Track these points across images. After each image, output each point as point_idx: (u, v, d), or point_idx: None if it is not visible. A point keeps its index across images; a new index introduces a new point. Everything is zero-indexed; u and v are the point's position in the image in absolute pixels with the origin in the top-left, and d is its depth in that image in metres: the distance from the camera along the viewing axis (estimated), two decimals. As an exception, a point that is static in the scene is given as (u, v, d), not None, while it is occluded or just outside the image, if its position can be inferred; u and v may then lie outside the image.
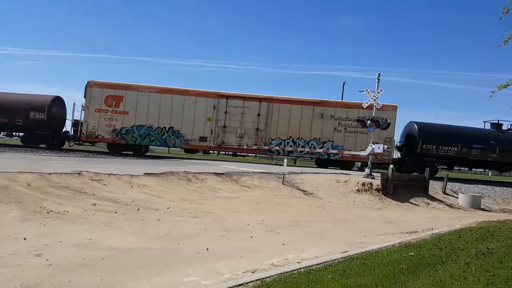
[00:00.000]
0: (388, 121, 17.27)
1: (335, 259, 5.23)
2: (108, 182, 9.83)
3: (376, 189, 14.35)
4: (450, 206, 14.77)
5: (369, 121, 16.19)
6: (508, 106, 76.30)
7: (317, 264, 4.94)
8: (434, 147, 22.25)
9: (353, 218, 10.00)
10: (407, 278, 4.45)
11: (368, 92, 16.30)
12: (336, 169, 22.26)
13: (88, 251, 4.92)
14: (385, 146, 16.16)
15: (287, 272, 4.52)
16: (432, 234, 7.91)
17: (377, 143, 16.63)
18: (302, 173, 16.71)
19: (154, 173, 11.84)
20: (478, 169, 29.11)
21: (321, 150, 22.47)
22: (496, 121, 23.86)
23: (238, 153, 24.06)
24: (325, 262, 5.07)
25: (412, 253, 5.74)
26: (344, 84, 40.57)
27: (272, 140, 22.69)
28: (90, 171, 10.38)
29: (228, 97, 22.74)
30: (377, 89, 16.32)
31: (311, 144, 22.64)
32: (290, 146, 22.58)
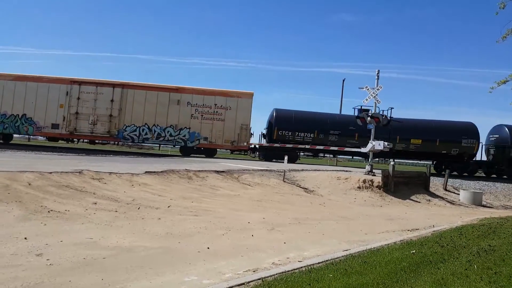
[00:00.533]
0: (388, 118, 17.24)
1: (337, 258, 5.22)
2: (109, 181, 9.81)
3: (377, 186, 14.33)
4: (451, 203, 14.75)
5: (369, 118, 16.15)
6: (507, 102, 76.17)
7: (319, 263, 4.92)
8: (290, 133, 22.58)
9: (354, 215, 9.99)
10: (409, 276, 4.44)
11: (368, 89, 16.26)
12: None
13: (89, 251, 4.91)
14: (386, 143, 16.10)
15: (288, 271, 4.50)
16: (434, 231, 7.90)
17: (377, 140, 16.57)
18: (303, 170, 16.70)
19: (154, 171, 11.82)
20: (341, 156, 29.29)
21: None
22: (359, 107, 23.93)
23: (96, 141, 24.09)
24: (327, 260, 5.06)
25: (414, 251, 5.73)
26: (344, 81, 40.41)
27: (126, 127, 22.79)
28: (91, 170, 10.37)
29: (81, 83, 22.85)
30: (377, 86, 16.28)
31: (168, 131, 22.84)
32: (146, 133, 22.76)
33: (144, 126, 22.73)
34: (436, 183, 16.88)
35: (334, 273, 4.42)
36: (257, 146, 24.27)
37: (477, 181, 19.50)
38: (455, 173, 23.04)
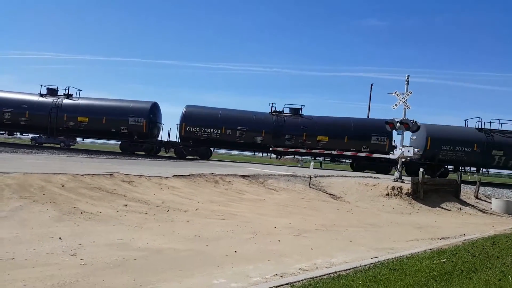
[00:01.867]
0: (418, 124, 16.84)
1: (365, 265, 5.16)
2: (139, 184, 10.05)
3: (406, 194, 14.02)
4: (483, 211, 14.26)
5: (398, 124, 15.86)
6: None
7: (347, 270, 4.88)
8: None
9: (382, 223, 9.82)
10: (440, 286, 4.34)
11: (397, 94, 15.99)
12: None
13: (121, 251, 5.06)
14: (416, 149, 15.75)
15: (316, 277, 4.49)
16: (465, 240, 7.68)
17: (407, 146, 16.22)
18: (329, 176, 16.56)
19: (182, 175, 12.02)
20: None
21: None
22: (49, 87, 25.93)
23: None
24: (355, 267, 5.01)
25: (444, 260, 5.59)
26: (372, 86, 39.75)
27: None
28: (122, 173, 10.65)
29: None
30: (407, 91, 15.98)
31: None
32: None
33: None
34: (467, 191, 16.35)
35: (363, 280, 4.37)
36: None
37: (511, 190, 18.76)
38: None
